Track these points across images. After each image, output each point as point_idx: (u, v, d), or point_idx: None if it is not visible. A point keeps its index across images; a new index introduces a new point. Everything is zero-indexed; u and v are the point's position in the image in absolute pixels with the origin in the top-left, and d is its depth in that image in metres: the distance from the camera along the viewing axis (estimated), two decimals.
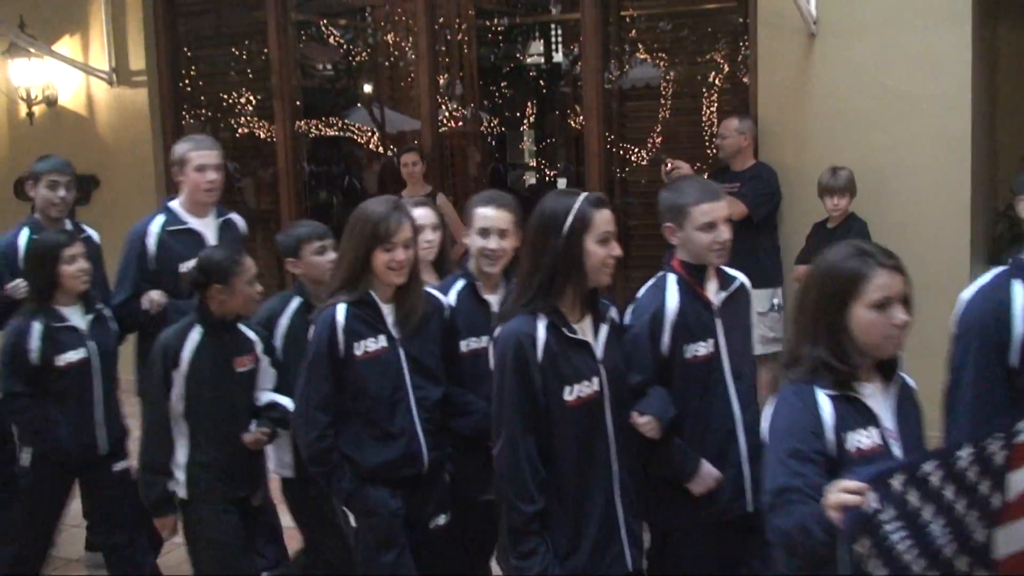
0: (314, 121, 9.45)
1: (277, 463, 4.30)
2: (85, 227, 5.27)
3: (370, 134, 10.71)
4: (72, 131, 8.68)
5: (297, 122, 8.62)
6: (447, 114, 8.46)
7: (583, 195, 3.13)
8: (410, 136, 8.87)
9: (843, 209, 5.90)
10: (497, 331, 3.17)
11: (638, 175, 7.43)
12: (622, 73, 7.51)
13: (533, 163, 13.67)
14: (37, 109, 8.70)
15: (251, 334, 4.13)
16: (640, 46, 7.39)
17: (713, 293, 3.55)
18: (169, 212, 4.91)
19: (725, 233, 3.52)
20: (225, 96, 8.69)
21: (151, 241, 4.83)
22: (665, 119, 7.32)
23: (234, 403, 4.07)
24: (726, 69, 7.10)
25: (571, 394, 3.10)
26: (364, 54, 10.32)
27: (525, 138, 13.61)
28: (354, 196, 11.21)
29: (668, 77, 7.31)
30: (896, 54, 6.20)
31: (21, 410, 4.39)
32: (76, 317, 4.47)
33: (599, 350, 3.18)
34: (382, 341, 3.58)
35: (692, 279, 3.51)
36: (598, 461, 3.17)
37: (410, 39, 8.38)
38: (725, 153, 6.47)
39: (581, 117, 7.87)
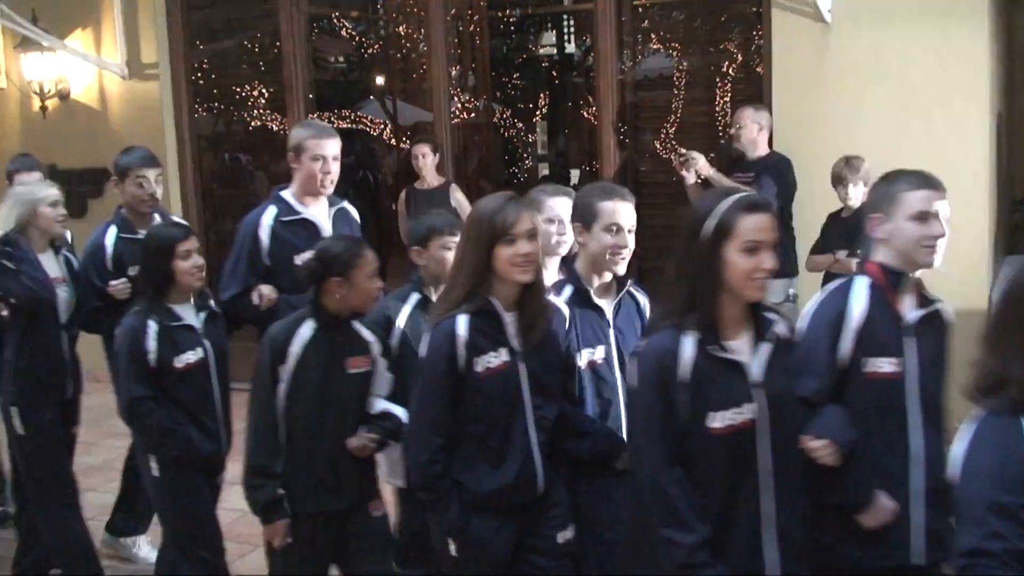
0: (327, 114, 9.43)
1: (389, 471, 4.06)
2: (175, 217, 5.00)
3: (383, 126, 10.69)
4: (85, 125, 8.69)
5: (310, 115, 8.60)
6: (460, 106, 8.45)
7: (733, 196, 2.75)
8: (423, 128, 8.84)
9: (858, 199, 5.86)
10: (640, 346, 2.85)
11: (652, 165, 7.41)
12: (635, 63, 7.49)
13: (546, 154, 13.64)
14: (50, 103, 8.71)
15: (368, 334, 3.84)
16: (653, 36, 7.37)
17: (909, 308, 3.12)
18: (281, 202, 4.61)
19: (939, 229, 3.07)
20: (238, 89, 8.69)
21: (264, 233, 4.56)
22: (679, 109, 7.29)
23: (343, 407, 3.76)
24: (740, 59, 7.07)
25: (717, 422, 2.70)
26: (376, 46, 10.31)
27: (538, 129, 13.57)
28: (367, 188, 11.21)
29: (682, 67, 7.29)
30: (912, 43, 6.17)
31: (147, 414, 4.10)
32: (190, 315, 4.21)
33: (757, 372, 2.77)
34: (503, 355, 3.25)
35: (887, 285, 3.11)
36: (744, 500, 2.75)
37: (422, 31, 8.37)
38: (739, 143, 6.44)
39: (594, 108, 7.85)
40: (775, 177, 6.25)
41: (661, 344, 2.73)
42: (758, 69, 6.91)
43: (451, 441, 3.27)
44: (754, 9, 6.93)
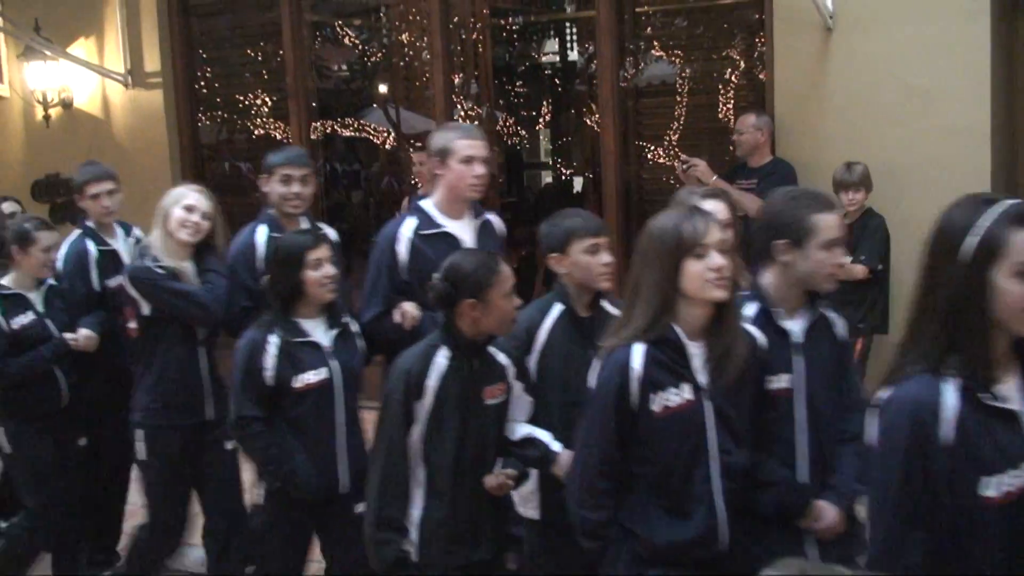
0: (329, 122, 9.44)
1: (521, 500, 3.72)
2: (322, 225, 4.81)
3: (386, 134, 10.69)
4: (88, 133, 8.70)
5: (312, 123, 8.61)
6: (462, 113, 8.44)
7: (1002, 205, 2.23)
8: (425, 136, 8.84)
9: (859, 204, 5.86)
10: (886, 394, 2.26)
11: (655, 173, 7.40)
12: (638, 71, 7.48)
13: (549, 162, 13.64)
14: (53, 112, 8.73)
15: (503, 358, 3.47)
16: (655, 43, 7.36)
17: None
18: (421, 213, 4.29)
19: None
20: (240, 97, 8.69)
21: (402, 247, 4.23)
22: (681, 116, 7.29)
23: (483, 443, 3.40)
24: (742, 65, 7.06)
25: (992, 489, 2.16)
26: (379, 54, 10.31)
27: (541, 137, 13.58)
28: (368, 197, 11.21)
29: (684, 74, 7.28)
30: (914, 48, 6.16)
31: (253, 437, 3.82)
32: (319, 332, 3.89)
33: None
34: (686, 392, 2.86)
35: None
36: None
37: (425, 39, 8.36)
38: (742, 149, 6.44)
39: (597, 115, 7.84)
40: (778, 183, 6.24)
41: (916, 393, 2.20)
42: (760, 76, 6.90)
43: (621, 485, 2.94)
44: (756, 16, 6.92)
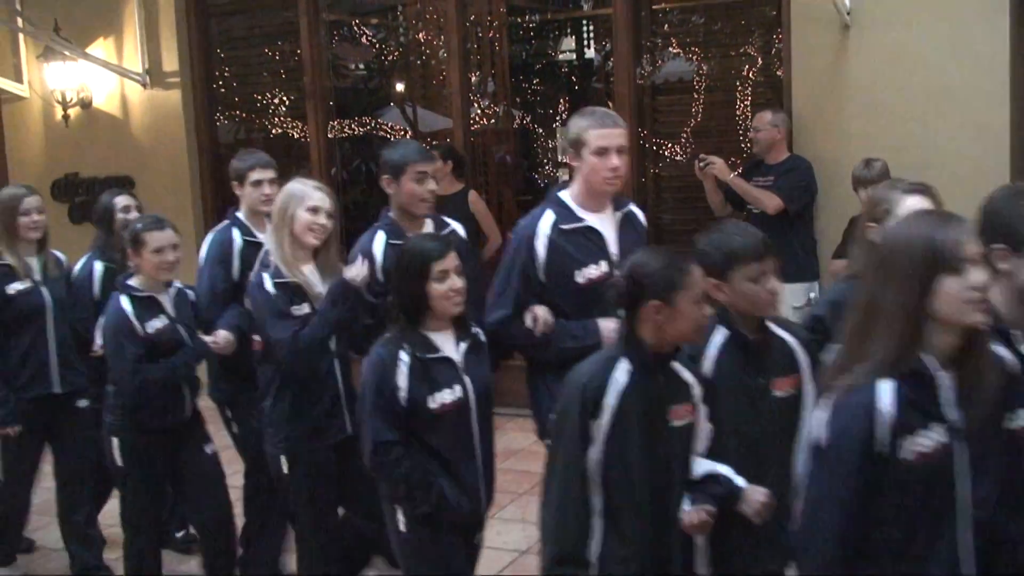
0: (347, 121, 9.44)
1: None
2: (450, 221, 4.55)
3: (403, 133, 10.70)
4: (107, 133, 8.74)
5: (330, 122, 8.63)
6: (479, 112, 8.44)
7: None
8: (442, 135, 8.84)
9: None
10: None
11: (671, 170, 7.39)
12: (654, 68, 7.47)
13: (566, 160, 13.63)
14: (72, 111, 8.76)
15: (688, 375, 3.07)
16: (672, 40, 7.36)
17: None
18: (560, 206, 3.91)
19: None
20: (258, 97, 8.72)
21: (540, 244, 3.84)
22: (698, 113, 7.27)
23: (669, 470, 3.01)
24: (759, 62, 7.05)
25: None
26: (396, 53, 10.31)
27: (558, 135, 13.56)
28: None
29: (701, 71, 7.27)
30: (932, 45, 6.14)
31: (394, 462, 3.47)
32: (449, 346, 3.57)
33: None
34: (939, 434, 2.39)
35: None
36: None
37: (441, 37, 8.36)
38: (759, 146, 6.43)
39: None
40: (793, 180, 6.23)
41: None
42: (778, 72, 6.89)
43: (856, 554, 2.47)
44: (773, 13, 6.91)
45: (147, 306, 4.42)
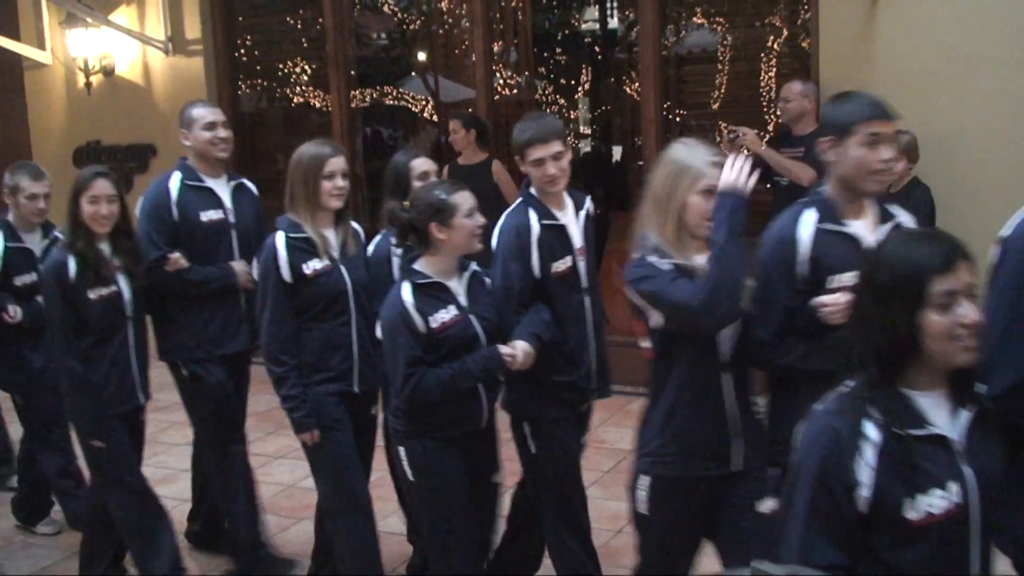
0: (368, 90, 9.43)
1: None
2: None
3: (424, 103, 10.68)
4: (129, 100, 8.74)
5: (352, 91, 8.61)
6: (501, 82, 8.40)
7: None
8: (464, 105, 8.81)
9: (897, 173, 5.78)
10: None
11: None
12: (679, 38, 7.41)
13: (588, 131, 13.59)
14: (95, 79, 8.76)
15: None
16: (697, 10, 7.30)
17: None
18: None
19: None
20: (280, 65, 8.70)
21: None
22: (723, 84, 7.22)
23: None
24: (785, 33, 6.99)
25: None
26: (418, 22, 10.26)
27: (580, 105, 13.51)
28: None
29: (726, 42, 7.21)
30: (960, 16, 6.06)
31: None
32: (942, 416, 2.35)
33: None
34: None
35: None
36: None
37: (464, 6, 8.32)
38: (788, 117, 6.35)
39: (637, 84, 7.78)
40: None
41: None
42: (804, 44, 6.83)
43: None
44: None
45: (437, 296, 3.67)
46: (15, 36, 8.92)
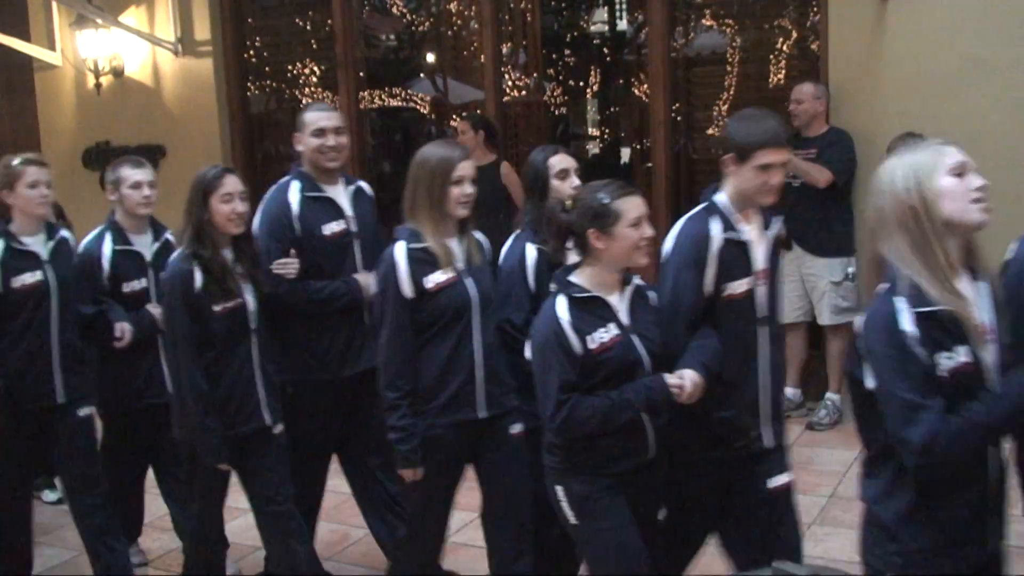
0: (377, 91, 9.43)
1: None
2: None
3: (434, 104, 10.68)
4: (138, 101, 8.75)
5: (360, 92, 8.61)
6: (510, 83, 8.40)
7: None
8: (473, 106, 8.81)
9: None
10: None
11: (704, 143, 7.33)
12: (687, 40, 7.40)
13: (596, 132, 13.58)
14: (104, 80, 8.77)
15: None
16: (706, 12, 7.29)
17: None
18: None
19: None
20: (289, 66, 8.71)
21: None
22: (732, 86, 7.21)
23: None
24: (794, 35, 6.98)
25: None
26: (427, 23, 10.26)
27: (589, 107, 13.51)
28: None
29: (735, 44, 7.21)
30: (970, 18, 6.06)
31: None
32: None
33: None
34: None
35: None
36: None
37: (473, 8, 8.32)
38: (801, 119, 6.34)
39: (646, 85, 7.78)
40: (840, 153, 6.17)
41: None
42: (813, 46, 6.82)
43: None
44: None
45: (595, 313, 3.29)
46: (25, 37, 8.93)
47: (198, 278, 3.97)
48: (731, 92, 7.22)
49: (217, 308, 3.99)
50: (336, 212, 4.43)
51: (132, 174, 4.71)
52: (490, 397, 3.81)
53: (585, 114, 14.08)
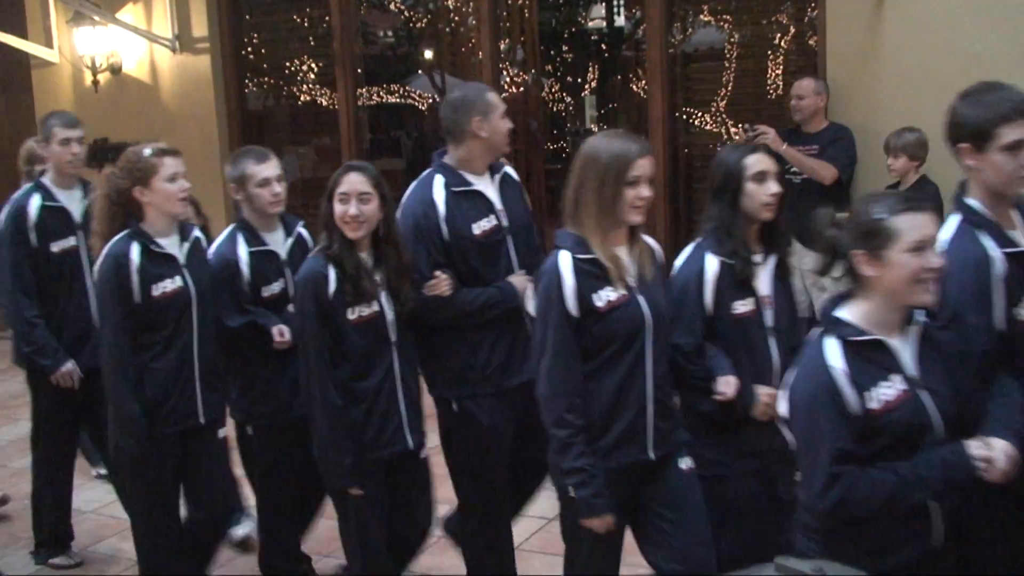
0: (375, 88, 9.43)
1: None
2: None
3: (431, 101, 10.69)
4: (136, 98, 8.75)
5: (358, 89, 8.61)
6: (508, 80, 8.40)
7: None
8: None
9: (898, 171, 5.77)
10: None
11: (702, 140, 7.33)
12: (686, 36, 7.40)
13: (595, 129, 13.60)
14: (102, 77, 8.77)
15: None
16: (704, 8, 7.28)
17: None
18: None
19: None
20: (287, 63, 8.70)
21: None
22: (730, 82, 7.21)
23: None
24: (792, 31, 6.97)
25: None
26: (425, 20, 10.27)
27: (587, 103, 13.51)
28: (415, 163, 11.21)
29: (733, 39, 7.20)
30: (969, 14, 6.05)
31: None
32: None
33: None
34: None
35: None
36: None
37: (471, 4, 8.32)
38: (802, 115, 6.31)
39: (644, 81, 7.78)
40: (844, 149, 6.15)
41: None
42: (811, 41, 6.81)
43: None
44: None
45: (871, 358, 2.71)
46: (22, 34, 8.93)
47: (332, 280, 3.63)
48: (729, 88, 7.21)
49: (352, 317, 3.65)
50: (486, 207, 3.97)
51: (259, 170, 4.20)
52: (658, 433, 3.24)
53: (583, 110, 14.08)
